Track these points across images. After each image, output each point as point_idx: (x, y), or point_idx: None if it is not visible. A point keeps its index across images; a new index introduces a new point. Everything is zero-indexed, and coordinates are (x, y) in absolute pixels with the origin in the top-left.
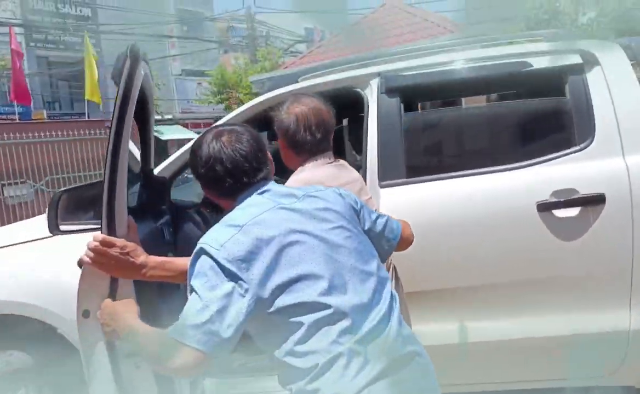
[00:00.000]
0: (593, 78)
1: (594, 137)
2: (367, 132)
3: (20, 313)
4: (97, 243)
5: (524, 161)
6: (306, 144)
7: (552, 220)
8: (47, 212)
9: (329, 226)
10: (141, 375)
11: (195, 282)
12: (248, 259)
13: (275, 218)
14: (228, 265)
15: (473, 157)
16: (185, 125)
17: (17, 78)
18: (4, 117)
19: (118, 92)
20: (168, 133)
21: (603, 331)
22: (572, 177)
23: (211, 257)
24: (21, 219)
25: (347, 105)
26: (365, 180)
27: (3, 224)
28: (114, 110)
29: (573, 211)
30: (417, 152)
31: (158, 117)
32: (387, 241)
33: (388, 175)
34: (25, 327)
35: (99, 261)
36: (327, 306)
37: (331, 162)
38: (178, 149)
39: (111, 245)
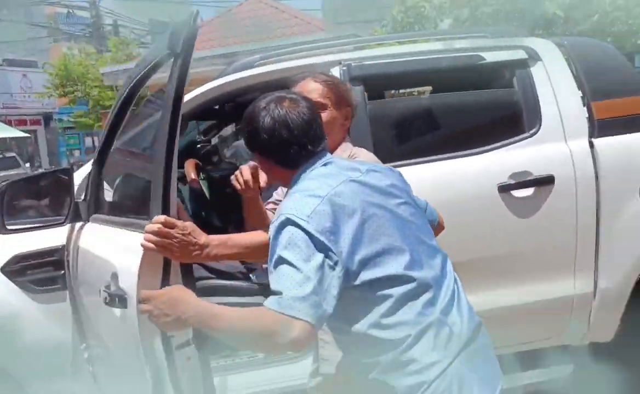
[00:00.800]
0: (537, 71)
1: (541, 124)
2: None
3: None
4: (159, 225)
5: (484, 146)
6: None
7: (511, 200)
8: None
9: (397, 202)
10: (191, 367)
11: (287, 254)
12: (334, 231)
13: (350, 190)
14: (318, 236)
15: (438, 143)
16: (9, 122)
17: None
18: None
19: (175, 70)
20: None
21: (553, 298)
22: (526, 160)
23: (301, 228)
24: None
25: None
26: None
27: None
28: (169, 89)
29: (528, 191)
30: (383, 139)
31: None
32: (429, 223)
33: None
34: None
35: (162, 245)
36: (412, 279)
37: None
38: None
39: (173, 226)
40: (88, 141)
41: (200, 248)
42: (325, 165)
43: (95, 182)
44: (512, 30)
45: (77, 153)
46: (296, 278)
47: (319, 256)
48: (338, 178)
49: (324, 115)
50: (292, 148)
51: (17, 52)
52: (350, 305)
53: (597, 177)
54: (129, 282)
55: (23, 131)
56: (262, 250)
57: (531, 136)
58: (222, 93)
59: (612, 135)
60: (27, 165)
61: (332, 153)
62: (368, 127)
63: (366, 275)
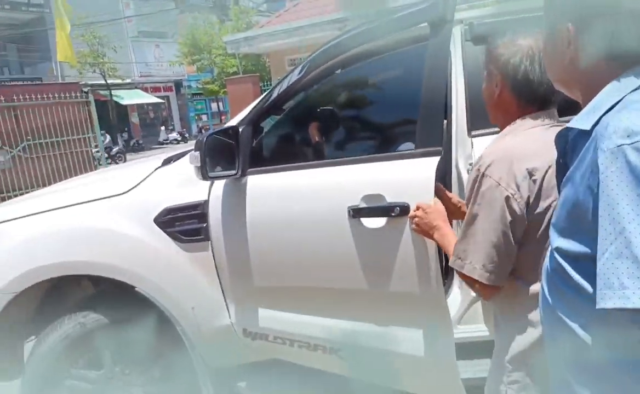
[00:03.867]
0: None
1: None
2: (452, 82)
3: (96, 273)
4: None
5: None
6: (539, 91)
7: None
8: (192, 158)
9: None
10: None
11: None
12: None
13: None
14: None
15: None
16: (145, 89)
17: None
18: None
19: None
20: (128, 97)
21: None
22: None
23: None
24: (1, 188)
25: None
26: (450, 132)
27: None
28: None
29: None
30: None
31: (118, 81)
32: None
33: (478, 124)
34: (99, 287)
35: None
36: None
37: (555, 124)
38: (137, 115)
39: (418, 207)
40: (214, 106)
41: (432, 230)
42: None
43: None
44: None
45: (204, 117)
46: None
47: None
48: None
49: None
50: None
51: (150, 24)
52: None
53: None
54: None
55: (158, 97)
56: None
57: None
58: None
59: None
60: (162, 128)
61: None
62: None
63: None
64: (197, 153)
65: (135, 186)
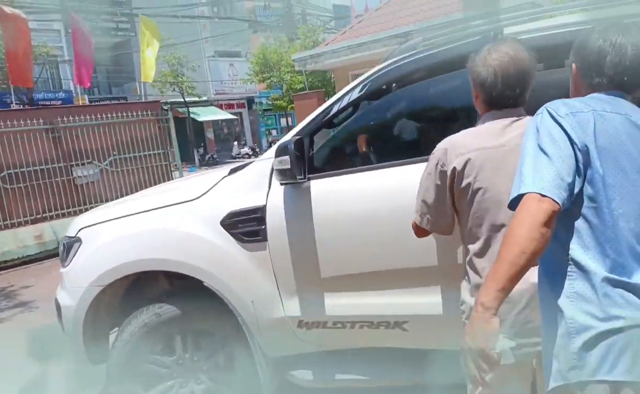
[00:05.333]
0: None
1: None
2: None
3: (171, 269)
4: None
5: None
6: (504, 99)
7: None
8: (277, 163)
9: None
10: None
11: None
12: None
13: None
14: None
15: None
16: (220, 106)
17: (85, 63)
18: (47, 103)
19: None
20: (204, 114)
21: None
22: None
23: None
24: (91, 198)
25: None
26: None
27: (74, 204)
28: None
29: None
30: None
31: (194, 99)
32: None
33: None
34: (173, 282)
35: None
36: None
37: (514, 121)
38: (213, 130)
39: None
40: (283, 121)
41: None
42: None
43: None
44: None
45: (274, 132)
46: None
47: None
48: None
49: None
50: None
51: (225, 44)
52: None
53: None
54: None
55: (231, 113)
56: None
57: None
58: (391, 77)
59: None
60: (235, 142)
61: None
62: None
63: None
64: (284, 158)
65: (205, 193)
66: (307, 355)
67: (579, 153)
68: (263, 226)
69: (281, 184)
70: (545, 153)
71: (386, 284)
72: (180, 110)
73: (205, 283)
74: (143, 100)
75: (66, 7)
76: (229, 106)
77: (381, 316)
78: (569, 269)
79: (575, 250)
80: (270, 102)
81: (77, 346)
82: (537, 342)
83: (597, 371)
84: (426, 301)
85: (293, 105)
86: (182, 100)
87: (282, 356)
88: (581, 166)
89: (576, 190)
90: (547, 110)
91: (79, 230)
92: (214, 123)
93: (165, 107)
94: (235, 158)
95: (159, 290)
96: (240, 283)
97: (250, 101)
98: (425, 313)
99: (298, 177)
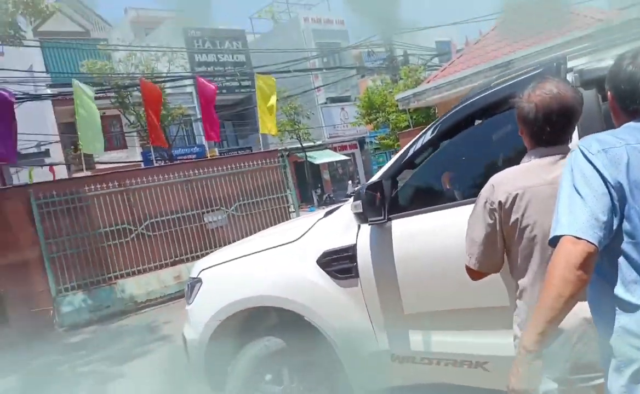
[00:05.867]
0: None
1: None
2: None
3: (276, 305)
4: None
5: None
6: (544, 134)
7: None
8: (353, 207)
9: None
10: None
11: None
12: None
13: None
14: None
15: None
16: (334, 148)
17: (211, 120)
18: (183, 157)
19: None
20: (320, 157)
21: None
22: None
23: None
24: (220, 241)
25: None
26: None
27: (206, 247)
28: None
29: None
30: None
31: (310, 144)
32: None
33: None
34: (278, 317)
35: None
36: None
37: (559, 158)
38: (329, 172)
39: None
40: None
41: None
42: None
43: (389, 191)
44: None
45: None
46: None
47: None
48: None
49: None
50: None
51: (335, 90)
52: None
53: None
54: None
55: (345, 154)
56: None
57: None
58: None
59: None
60: (350, 182)
61: None
62: (603, 127)
63: None
64: (357, 202)
65: (303, 235)
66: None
67: (612, 191)
68: (355, 264)
69: (367, 223)
70: (579, 193)
71: (467, 323)
72: (298, 155)
73: (305, 318)
74: (262, 150)
75: (195, 71)
76: (342, 147)
77: (463, 355)
78: (615, 305)
79: (618, 285)
80: (377, 141)
81: (200, 374)
82: (592, 377)
83: None
84: (507, 342)
85: (399, 142)
86: (299, 145)
87: (377, 389)
88: (616, 203)
89: (615, 226)
90: (580, 148)
91: (200, 272)
92: (329, 165)
93: (283, 154)
94: (350, 196)
95: (268, 325)
96: (336, 317)
97: (361, 142)
98: (506, 354)
99: (370, 219)
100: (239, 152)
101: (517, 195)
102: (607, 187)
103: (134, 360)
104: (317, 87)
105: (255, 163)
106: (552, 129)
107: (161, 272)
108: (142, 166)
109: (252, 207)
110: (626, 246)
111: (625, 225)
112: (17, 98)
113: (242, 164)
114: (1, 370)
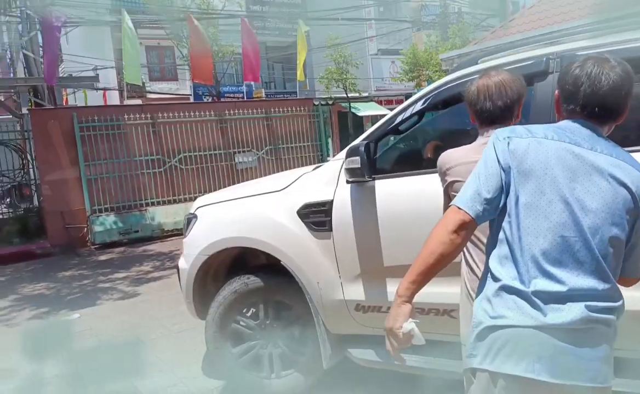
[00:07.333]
0: None
1: None
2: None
3: (255, 246)
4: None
5: None
6: (484, 113)
7: None
8: (348, 162)
9: None
10: None
11: None
12: None
13: None
14: None
15: None
16: (380, 102)
17: (251, 62)
18: (231, 95)
19: None
20: (364, 109)
21: None
22: None
23: None
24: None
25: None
26: None
27: (233, 184)
28: None
29: None
30: None
31: (355, 95)
32: None
33: None
34: (257, 259)
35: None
36: None
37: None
38: (372, 124)
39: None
40: None
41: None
42: None
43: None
44: None
45: None
46: None
47: None
48: None
49: None
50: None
51: (388, 42)
52: None
53: None
54: None
55: (389, 109)
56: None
57: None
58: (452, 88)
59: None
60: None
61: None
62: None
63: None
64: (355, 158)
65: (289, 185)
66: (371, 337)
67: (502, 173)
68: (329, 218)
69: (347, 182)
70: (476, 172)
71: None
72: (343, 104)
73: (281, 262)
74: (298, 98)
75: (251, 10)
76: (388, 102)
77: (431, 304)
78: (488, 275)
79: (492, 258)
80: None
81: (188, 302)
82: None
83: (482, 360)
84: None
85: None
86: (345, 95)
87: (343, 334)
88: (503, 184)
89: (501, 204)
90: (494, 134)
91: (197, 208)
92: (372, 117)
93: (324, 103)
94: None
95: (254, 266)
96: (309, 265)
97: (408, 98)
98: None
99: (366, 176)
100: (285, 95)
101: (449, 168)
102: (500, 169)
103: (150, 282)
104: (370, 37)
105: (288, 109)
106: (491, 109)
107: (189, 204)
108: (191, 100)
109: (283, 152)
110: (505, 224)
111: (506, 205)
112: (75, 23)
113: (275, 109)
114: (34, 277)
